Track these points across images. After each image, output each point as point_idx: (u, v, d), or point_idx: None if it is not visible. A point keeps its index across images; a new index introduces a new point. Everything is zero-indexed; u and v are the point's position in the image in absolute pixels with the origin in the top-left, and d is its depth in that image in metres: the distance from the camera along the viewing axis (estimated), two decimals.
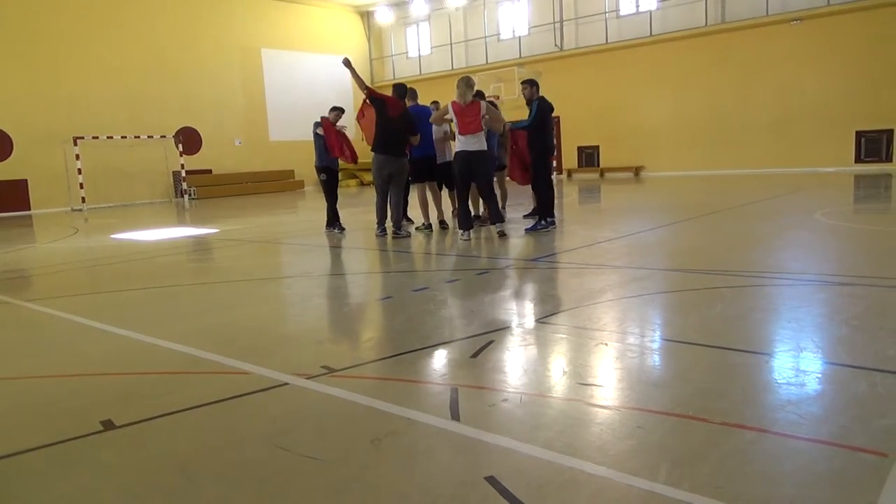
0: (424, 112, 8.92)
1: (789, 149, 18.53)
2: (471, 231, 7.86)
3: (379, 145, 8.24)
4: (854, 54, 17.34)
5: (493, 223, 7.90)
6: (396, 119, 8.16)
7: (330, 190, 9.39)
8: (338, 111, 9.28)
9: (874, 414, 2.41)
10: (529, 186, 8.89)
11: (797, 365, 3.01)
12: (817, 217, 8.35)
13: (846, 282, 4.75)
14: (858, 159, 17.74)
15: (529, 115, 8.03)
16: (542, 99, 8.10)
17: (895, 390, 2.65)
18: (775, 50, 18.49)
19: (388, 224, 8.62)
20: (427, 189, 9.15)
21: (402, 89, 8.63)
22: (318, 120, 9.18)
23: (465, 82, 7.65)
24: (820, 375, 2.90)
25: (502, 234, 7.73)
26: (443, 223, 9.15)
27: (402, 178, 8.47)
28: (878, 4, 16.86)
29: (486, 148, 7.72)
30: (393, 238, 8.28)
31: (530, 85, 8.18)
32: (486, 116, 7.69)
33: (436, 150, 8.97)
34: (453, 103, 7.65)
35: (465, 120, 7.56)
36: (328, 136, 9.02)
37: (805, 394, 2.67)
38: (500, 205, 10.05)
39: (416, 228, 9.03)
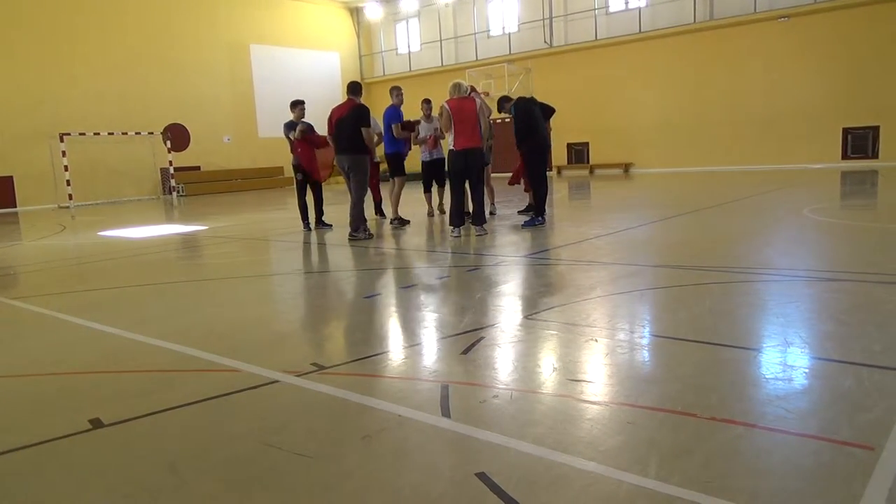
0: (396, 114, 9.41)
1: (777, 145, 18.66)
2: (461, 228, 7.85)
3: (335, 146, 8.39)
4: (841, 51, 17.47)
5: (474, 223, 7.88)
6: (342, 120, 8.20)
7: (300, 189, 9.41)
8: (298, 105, 9.17)
9: (861, 408, 2.44)
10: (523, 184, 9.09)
11: (785, 360, 3.04)
12: (805, 213, 8.40)
13: (834, 277, 4.79)
14: (845, 156, 17.90)
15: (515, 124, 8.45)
16: (517, 101, 8.47)
17: (881, 385, 2.67)
18: (763, 47, 18.60)
19: (377, 219, 8.80)
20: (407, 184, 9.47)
21: (352, 86, 8.57)
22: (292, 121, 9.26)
23: (457, 88, 7.75)
24: (807, 370, 2.93)
25: (481, 235, 7.74)
26: (400, 220, 9.32)
27: (360, 174, 8.22)
28: (866, 2, 16.99)
29: (480, 145, 7.75)
30: (349, 240, 8.03)
31: (501, 105, 8.80)
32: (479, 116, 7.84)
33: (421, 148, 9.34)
34: (449, 101, 7.65)
35: (462, 117, 7.57)
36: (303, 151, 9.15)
37: (793, 389, 2.70)
38: (491, 200, 10.10)
39: (391, 221, 9.35)
